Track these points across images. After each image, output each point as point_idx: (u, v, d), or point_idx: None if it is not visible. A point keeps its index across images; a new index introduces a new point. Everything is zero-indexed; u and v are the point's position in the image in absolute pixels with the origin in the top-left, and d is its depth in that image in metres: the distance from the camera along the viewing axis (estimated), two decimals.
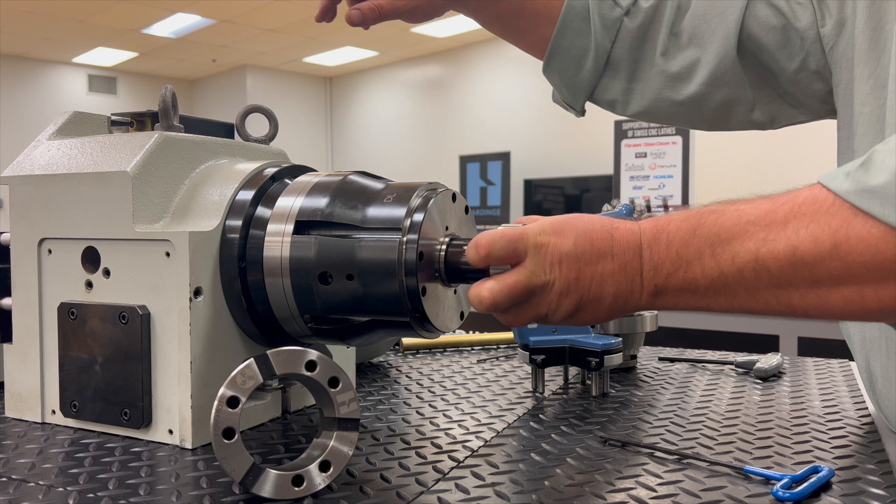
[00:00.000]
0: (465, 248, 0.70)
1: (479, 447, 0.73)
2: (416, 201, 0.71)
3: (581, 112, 1.04)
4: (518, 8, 0.99)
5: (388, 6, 0.96)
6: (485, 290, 0.65)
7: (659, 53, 0.93)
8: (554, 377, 1.03)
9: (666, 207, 2.81)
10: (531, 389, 0.96)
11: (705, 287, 0.61)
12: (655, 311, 1.09)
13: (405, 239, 0.69)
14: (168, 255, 0.73)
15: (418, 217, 0.70)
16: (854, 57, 0.79)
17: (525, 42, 1.04)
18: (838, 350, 0.93)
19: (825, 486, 0.62)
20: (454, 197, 0.75)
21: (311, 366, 0.61)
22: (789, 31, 0.86)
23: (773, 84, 0.90)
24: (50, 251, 0.80)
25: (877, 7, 0.77)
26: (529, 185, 7.12)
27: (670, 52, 0.92)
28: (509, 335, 1.27)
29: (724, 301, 0.61)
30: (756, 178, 5.60)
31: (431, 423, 0.81)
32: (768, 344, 2.87)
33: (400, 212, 0.70)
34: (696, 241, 0.61)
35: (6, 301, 0.85)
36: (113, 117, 0.88)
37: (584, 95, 1.01)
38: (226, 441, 0.58)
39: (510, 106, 7.72)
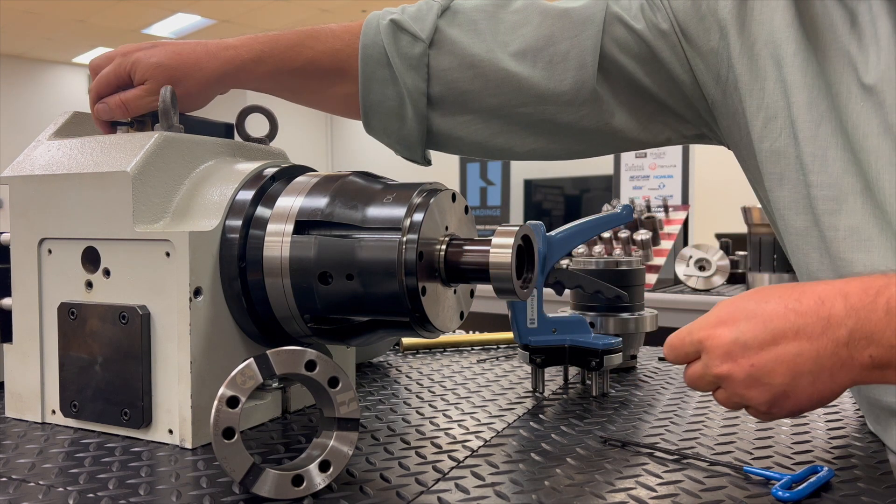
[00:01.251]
0: (465, 247, 0.71)
1: (479, 447, 0.73)
2: (415, 201, 0.71)
3: (426, 162, 0.95)
4: (300, 68, 0.89)
5: (135, 103, 0.85)
6: (685, 373, 0.63)
7: (497, 71, 0.84)
8: (554, 377, 1.03)
9: (666, 208, 2.80)
10: (531, 389, 0.96)
11: None
12: (655, 311, 1.09)
13: (405, 239, 0.69)
14: (168, 255, 0.73)
15: (418, 217, 0.70)
16: (739, 88, 0.76)
17: (323, 103, 0.95)
18: None
19: (825, 486, 0.62)
20: (454, 197, 0.75)
21: (310, 366, 0.61)
22: (656, 62, 0.82)
23: (646, 104, 0.85)
24: (50, 251, 0.80)
25: (747, 33, 0.75)
26: (529, 185, 7.12)
27: (517, 71, 0.84)
28: (509, 335, 1.27)
29: None
30: None
31: (431, 422, 0.81)
32: None
33: (400, 212, 0.70)
34: None
35: (6, 301, 0.85)
36: None
37: (419, 145, 0.92)
38: (226, 441, 0.58)
39: None
